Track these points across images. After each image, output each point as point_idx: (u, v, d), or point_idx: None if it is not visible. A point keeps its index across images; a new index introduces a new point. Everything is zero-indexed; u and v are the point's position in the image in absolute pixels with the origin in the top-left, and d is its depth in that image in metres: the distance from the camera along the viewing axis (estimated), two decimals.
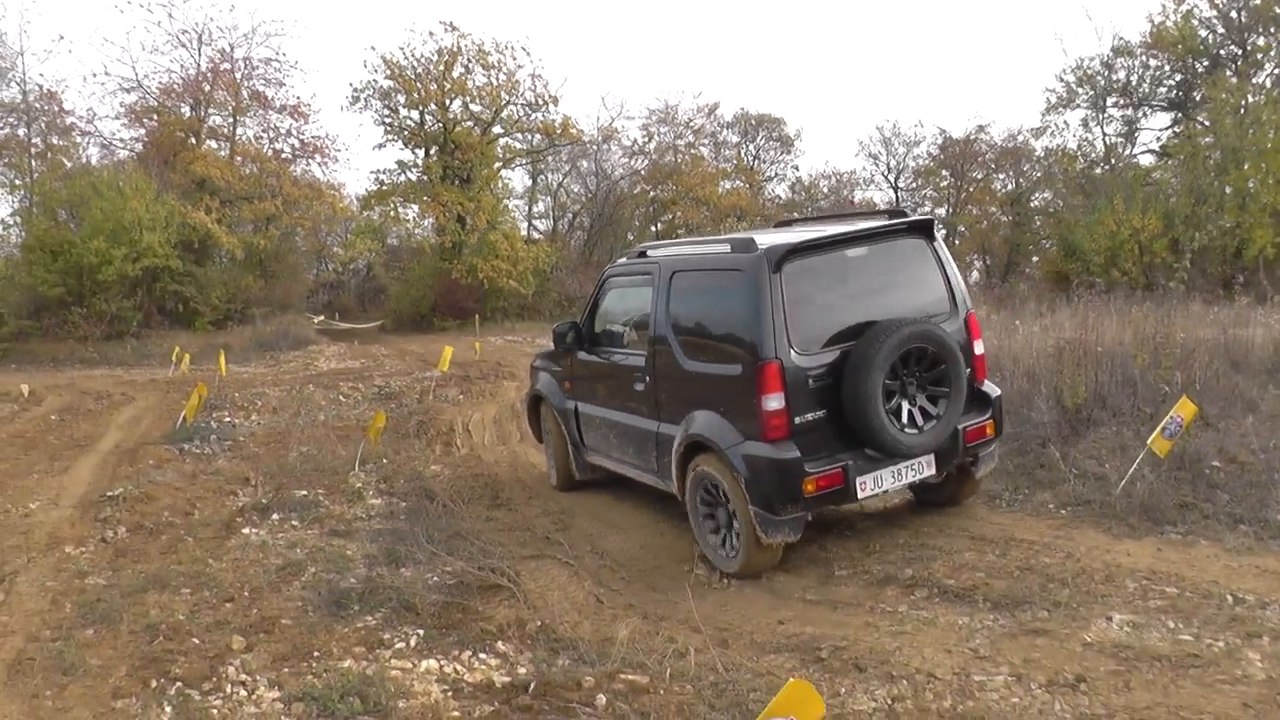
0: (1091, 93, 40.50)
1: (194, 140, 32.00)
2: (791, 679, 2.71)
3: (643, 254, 7.37)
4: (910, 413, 5.75)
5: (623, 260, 7.84)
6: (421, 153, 36.85)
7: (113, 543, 7.01)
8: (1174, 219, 30.99)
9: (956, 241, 45.09)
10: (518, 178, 42.13)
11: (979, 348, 6.24)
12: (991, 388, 6.34)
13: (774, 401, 5.53)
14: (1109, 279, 28.54)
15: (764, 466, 5.58)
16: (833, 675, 4.22)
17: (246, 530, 7.18)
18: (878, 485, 5.77)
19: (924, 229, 6.22)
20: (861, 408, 5.53)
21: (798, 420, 5.59)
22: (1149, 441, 6.15)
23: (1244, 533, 5.54)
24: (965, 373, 5.86)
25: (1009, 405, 8.81)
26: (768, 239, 5.91)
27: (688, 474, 6.24)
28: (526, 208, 42.50)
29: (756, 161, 47.28)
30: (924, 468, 5.88)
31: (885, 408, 5.59)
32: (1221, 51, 37.60)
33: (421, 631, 5.17)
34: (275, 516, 7.51)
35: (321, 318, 31.78)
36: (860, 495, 5.70)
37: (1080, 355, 8.33)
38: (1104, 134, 40.95)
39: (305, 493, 8.26)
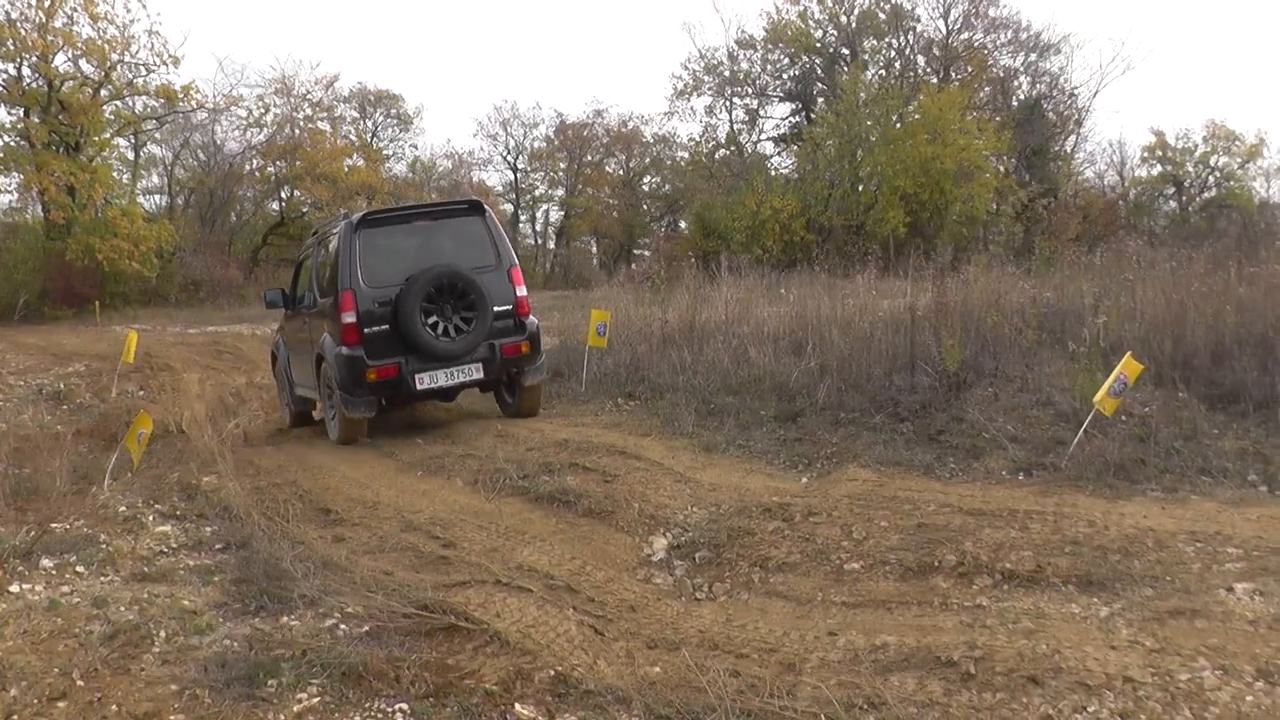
0: (716, 81, 43.15)
1: None
2: None
3: (315, 232, 10.50)
4: (445, 327, 8.23)
5: (309, 238, 10.87)
6: (21, 113, 31.39)
7: None
8: (810, 200, 33.54)
9: (574, 222, 46.44)
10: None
11: (521, 291, 8.66)
12: (532, 321, 8.78)
13: (349, 317, 8.16)
14: (752, 256, 30.30)
15: (342, 361, 8.22)
16: (1011, 694, 3.45)
17: (15, 587, 5.05)
18: (433, 381, 8.31)
19: (477, 209, 8.95)
20: (405, 321, 8.08)
21: (367, 331, 8.16)
22: (1095, 400, 6.03)
23: (1210, 484, 5.55)
24: (490, 302, 8.26)
25: (849, 370, 8.73)
26: (364, 213, 8.73)
27: (321, 379, 8.91)
28: (131, 183, 37.73)
29: (374, 139, 45.81)
30: (474, 372, 8.44)
31: (423, 323, 8.10)
32: (834, 51, 41.43)
33: (405, 706, 3.74)
34: (47, 563, 5.38)
35: None
36: (419, 388, 8.29)
37: (941, 320, 8.26)
38: (730, 120, 43.74)
39: (65, 526, 6.11)
